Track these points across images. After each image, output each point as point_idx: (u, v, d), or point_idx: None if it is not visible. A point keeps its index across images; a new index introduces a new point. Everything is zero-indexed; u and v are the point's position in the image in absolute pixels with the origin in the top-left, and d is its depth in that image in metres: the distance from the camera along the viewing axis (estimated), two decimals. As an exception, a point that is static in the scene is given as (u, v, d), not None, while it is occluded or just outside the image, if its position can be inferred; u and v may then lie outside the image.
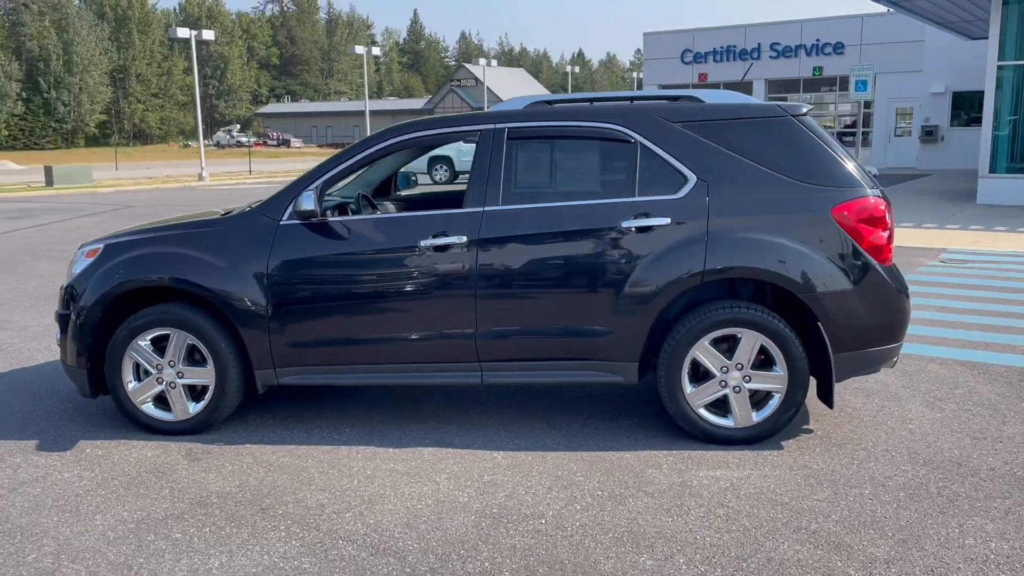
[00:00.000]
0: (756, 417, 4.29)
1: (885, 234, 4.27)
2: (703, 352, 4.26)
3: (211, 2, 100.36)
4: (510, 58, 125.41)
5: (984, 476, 3.90)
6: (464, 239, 4.32)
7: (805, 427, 4.56)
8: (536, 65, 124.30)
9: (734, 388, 4.28)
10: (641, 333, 4.28)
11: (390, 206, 5.71)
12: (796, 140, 4.33)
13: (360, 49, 39.70)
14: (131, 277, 4.47)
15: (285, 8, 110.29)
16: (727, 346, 4.28)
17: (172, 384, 4.52)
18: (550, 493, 3.79)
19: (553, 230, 4.31)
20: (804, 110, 4.43)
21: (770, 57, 30.75)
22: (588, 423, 4.65)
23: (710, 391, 4.30)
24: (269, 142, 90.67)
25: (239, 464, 4.16)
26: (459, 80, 76.47)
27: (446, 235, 4.33)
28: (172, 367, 4.51)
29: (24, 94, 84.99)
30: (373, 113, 75.64)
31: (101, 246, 4.68)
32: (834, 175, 4.29)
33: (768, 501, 3.67)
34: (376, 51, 41.65)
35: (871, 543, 3.29)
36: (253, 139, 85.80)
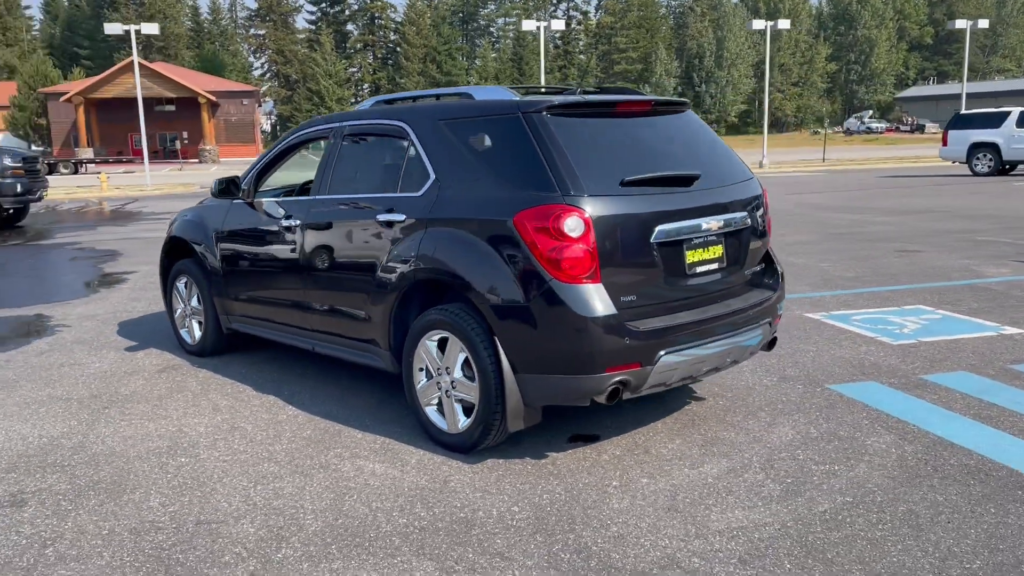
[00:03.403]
0: (461, 426, 4.12)
1: (570, 247, 3.66)
2: (424, 351, 4.25)
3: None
4: None
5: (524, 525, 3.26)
6: (298, 222, 5.02)
7: (547, 452, 4.12)
8: None
9: (446, 392, 4.18)
10: (385, 323, 4.46)
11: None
12: (517, 140, 3.96)
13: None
14: (169, 235, 6.26)
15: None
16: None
17: (189, 318, 6.20)
18: (219, 443, 4.38)
19: (340, 219, 4.75)
20: (554, 102, 3.98)
21: None
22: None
23: (431, 392, 4.27)
24: (902, 128, 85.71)
25: (171, 379, 5.61)
26: None
27: (291, 218, 5.09)
28: (188, 305, 6.18)
29: (679, 88, 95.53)
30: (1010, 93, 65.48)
31: (179, 211, 6.57)
32: (535, 178, 3.82)
33: (315, 499, 3.74)
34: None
35: (291, 557, 3.28)
36: (885, 125, 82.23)
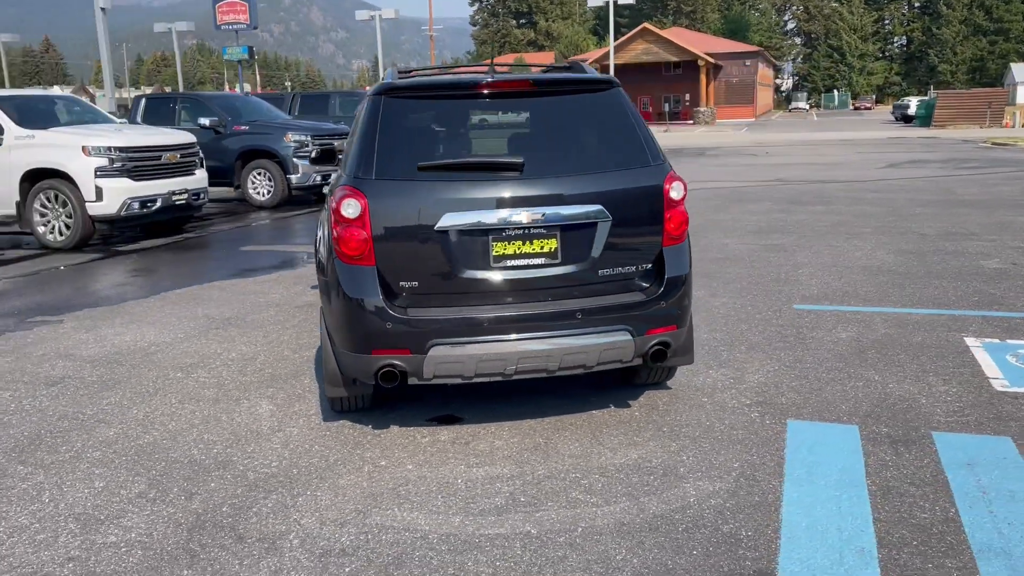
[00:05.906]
0: (333, 385, 4.43)
1: (347, 229, 3.77)
2: (330, 312, 4.61)
3: None
4: None
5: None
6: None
7: (394, 425, 4.22)
8: None
9: (332, 352, 4.51)
10: (328, 284, 4.90)
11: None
12: (362, 121, 4.08)
13: None
14: (331, 196, 7.33)
15: None
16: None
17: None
18: (221, 368, 5.26)
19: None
20: (396, 85, 3.99)
21: None
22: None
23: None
24: None
25: (292, 314, 6.67)
26: None
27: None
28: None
29: None
30: None
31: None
32: (351, 159, 3.99)
33: (183, 423, 4.42)
34: None
35: (93, 459, 4.06)
36: None
